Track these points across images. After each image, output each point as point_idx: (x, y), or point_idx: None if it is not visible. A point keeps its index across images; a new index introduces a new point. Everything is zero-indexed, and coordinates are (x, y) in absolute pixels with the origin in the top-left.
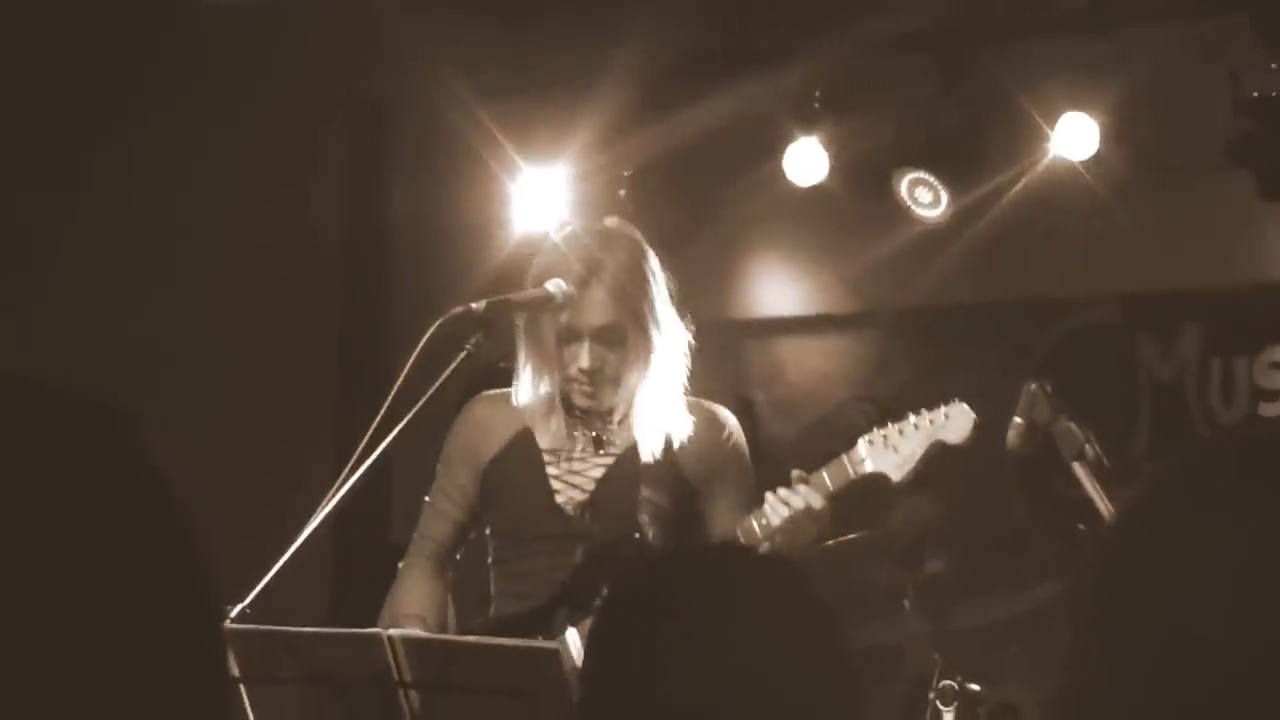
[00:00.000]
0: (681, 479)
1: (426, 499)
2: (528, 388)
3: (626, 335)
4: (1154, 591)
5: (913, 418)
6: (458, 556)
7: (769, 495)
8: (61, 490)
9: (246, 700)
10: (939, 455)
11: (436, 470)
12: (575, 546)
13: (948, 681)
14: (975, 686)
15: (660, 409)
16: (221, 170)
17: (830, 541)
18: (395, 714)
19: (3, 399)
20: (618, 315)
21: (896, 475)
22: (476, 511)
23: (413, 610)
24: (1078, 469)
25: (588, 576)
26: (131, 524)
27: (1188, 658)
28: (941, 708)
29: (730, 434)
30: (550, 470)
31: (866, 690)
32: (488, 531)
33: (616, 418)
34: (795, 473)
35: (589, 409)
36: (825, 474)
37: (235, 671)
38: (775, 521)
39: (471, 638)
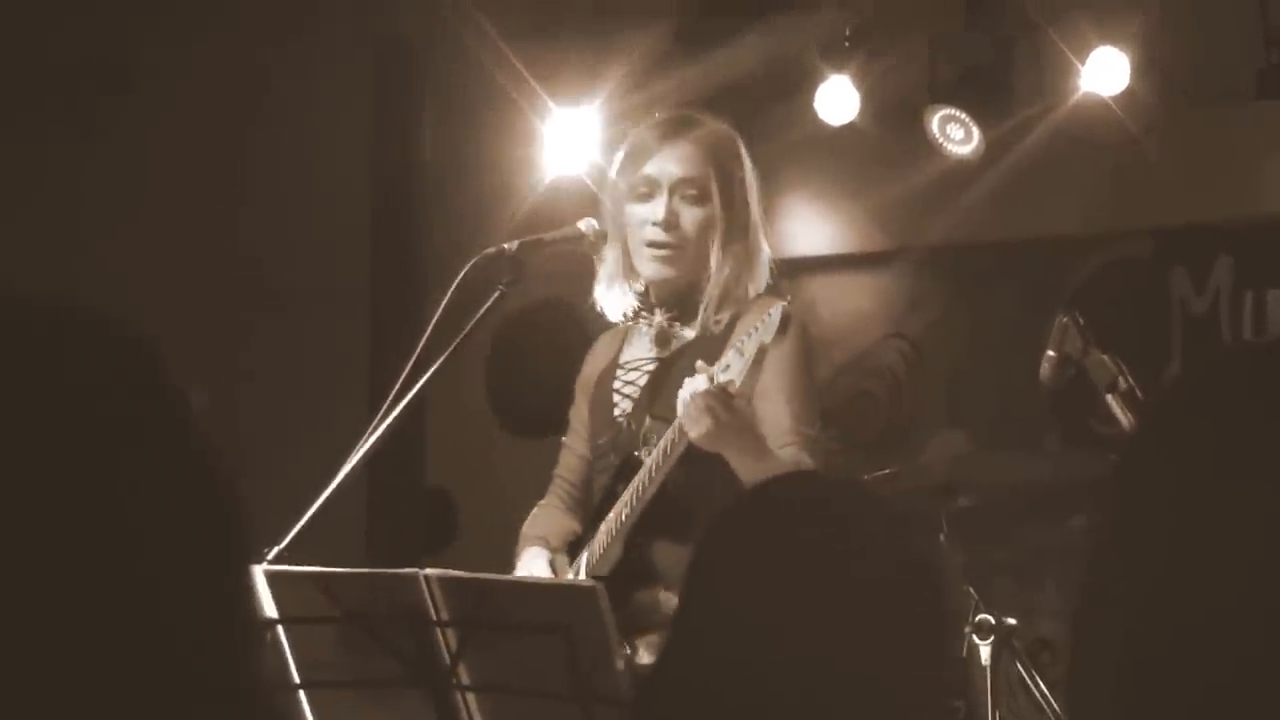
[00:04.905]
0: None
1: (563, 439)
2: (606, 294)
3: (711, 196)
4: (1170, 495)
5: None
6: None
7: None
8: (86, 415)
9: (284, 641)
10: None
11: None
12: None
13: (984, 615)
14: (1012, 620)
15: (737, 302)
16: (250, 109)
17: (865, 477)
18: (433, 652)
19: (27, 322)
20: (703, 169)
21: (738, 380)
22: None
23: (539, 532)
24: (1111, 400)
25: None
26: (155, 458)
27: (1204, 560)
28: (978, 641)
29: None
30: (615, 384)
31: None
32: None
33: (688, 320)
34: (699, 363)
35: (661, 280)
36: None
37: (272, 613)
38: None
39: (509, 576)
